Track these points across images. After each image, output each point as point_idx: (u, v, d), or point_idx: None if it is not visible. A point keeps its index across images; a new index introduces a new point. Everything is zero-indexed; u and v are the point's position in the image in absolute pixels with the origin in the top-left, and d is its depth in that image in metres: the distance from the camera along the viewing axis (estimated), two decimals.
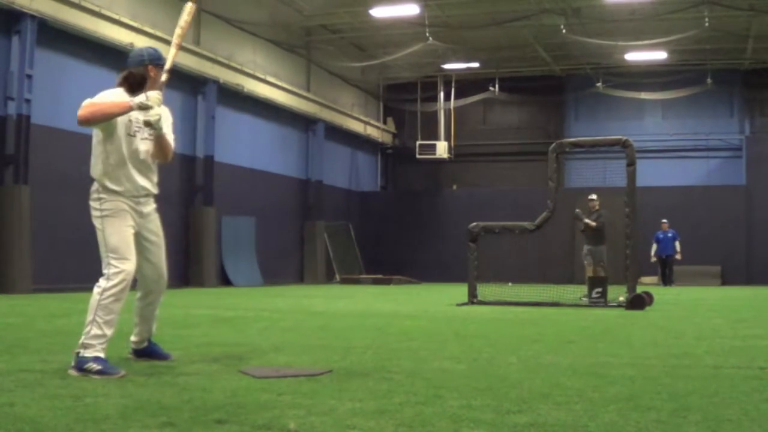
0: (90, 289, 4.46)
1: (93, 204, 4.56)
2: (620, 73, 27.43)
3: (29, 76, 14.46)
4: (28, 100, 14.48)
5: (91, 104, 4.42)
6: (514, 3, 21.57)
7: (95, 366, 4.18)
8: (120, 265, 4.42)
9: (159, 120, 4.44)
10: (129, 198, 4.56)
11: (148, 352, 4.91)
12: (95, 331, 4.29)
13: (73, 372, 4.22)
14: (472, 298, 12.40)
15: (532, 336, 7.00)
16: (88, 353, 4.23)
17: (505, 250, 16.36)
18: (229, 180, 21.07)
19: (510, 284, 15.62)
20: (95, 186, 4.57)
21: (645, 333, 7.44)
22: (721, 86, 26.84)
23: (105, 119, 4.43)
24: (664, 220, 23.15)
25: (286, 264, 24.47)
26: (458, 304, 11.99)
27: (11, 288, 13.79)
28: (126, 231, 4.52)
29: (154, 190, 4.73)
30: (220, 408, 3.34)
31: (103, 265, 4.46)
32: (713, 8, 20.38)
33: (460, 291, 13.71)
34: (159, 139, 4.62)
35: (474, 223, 12.92)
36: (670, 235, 23.09)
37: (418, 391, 3.83)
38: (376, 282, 24.28)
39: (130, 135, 4.56)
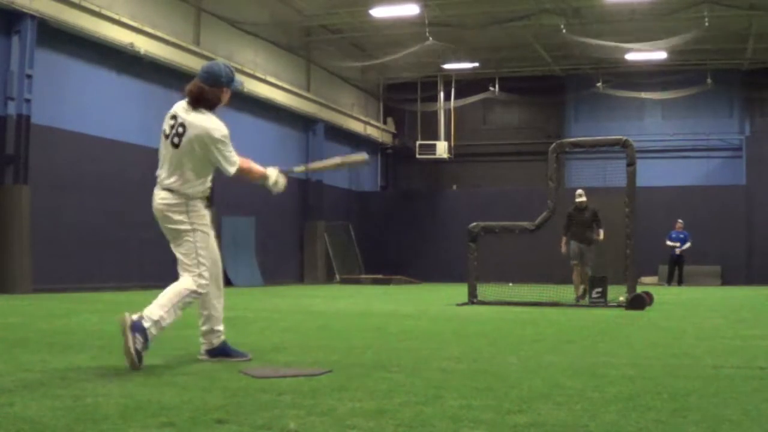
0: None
1: (182, 218, 4.73)
2: (620, 73, 27.43)
3: (29, 76, 14.46)
4: (28, 100, 14.47)
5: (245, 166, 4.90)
6: (514, 3, 21.57)
7: (141, 339, 4.32)
8: (208, 279, 4.71)
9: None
10: (207, 209, 4.95)
11: (224, 351, 4.98)
12: (167, 316, 4.47)
13: (128, 320, 4.29)
14: (472, 298, 12.41)
15: (532, 336, 7.00)
16: (152, 330, 4.39)
17: (505, 250, 16.36)
18: (228, 180, 21.00)
19: (510, 284, 15.62)
20: (183, 200, 4.74)
21: (645, 333, 7.44)
22: (721, 86, 26.83)
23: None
24: (680, 220, 23.17)
25: (286, 264, 24.46)
26: (458, 304, 11.99)
27: (11, 288, 13.78)
28: (214, 246, 4.86)
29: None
30: (220, 408, 3.34)
31: (191, 270, 4.68)
32: (713, 8, 20.38)
33: (460, 291, 13.71)
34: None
35: (474, 223, 12.92)
36: (682, 236, 23.12)
37: (418, 391, 3.83)
38: (376, 282, 24.28)
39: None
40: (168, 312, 4.49)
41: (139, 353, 4.29)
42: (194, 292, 4.63)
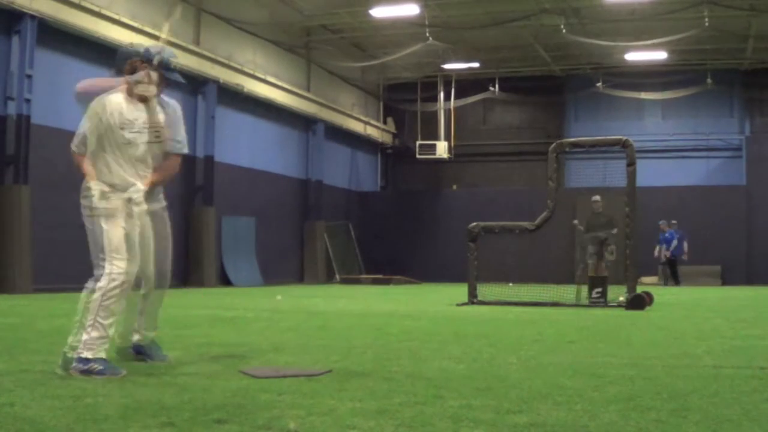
0: None
1: (84, 202, 4.48)
2: (620, 73, 27.44)
3: (29, 76, 14.47)
4: (28, 100, 14.49)
5: (81, 133, 4.47)
6: (514, 3, 21.57)
7: (98, 366, 4.19)
8: (123, 265, 4.35)
9: (141, 195, 4.47)
10: (121, 194, 4.49)
11: (147, 350, 4.89)
12: (95, 333, 4.26)
13: (75, 372, 4.20)
14: (472, 298, 12.40)
15: (532, 336, 7.00)
16: (90, 354, 4.22)
17: (505, 250, 16.35)
18: (229, 180, 21.07)
19: (510, 284, 15.61)
20: (86, 182, 4.53)
21: (645, 333, 7.44)
22: (721, 86, 26.85)
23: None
24: (661, 221, 23.19)
25: (286, 264, 24.47)
26: (458, 304, 11.98)
27: (11, 288, 13.79)
28: (120, 230, 4.44)
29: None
30: (220, 408, 3.34)
31: (102, 265, 4.38)
32: (713, 8, 20.39)
33: (460, 291, 13.71)
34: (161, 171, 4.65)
35: (474, 223, 12.91)
36: (667, 235, 23.17)
37: (418, 391, 3.82)
38: (376, 282, 24.28)
39: (121, 131, 4.48)
40: (90, 330, 4.25)
41: (103, 372, 4.16)
42: (106, 291, 4.27)
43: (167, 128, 4.65)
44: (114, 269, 4.34)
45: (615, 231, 14.15)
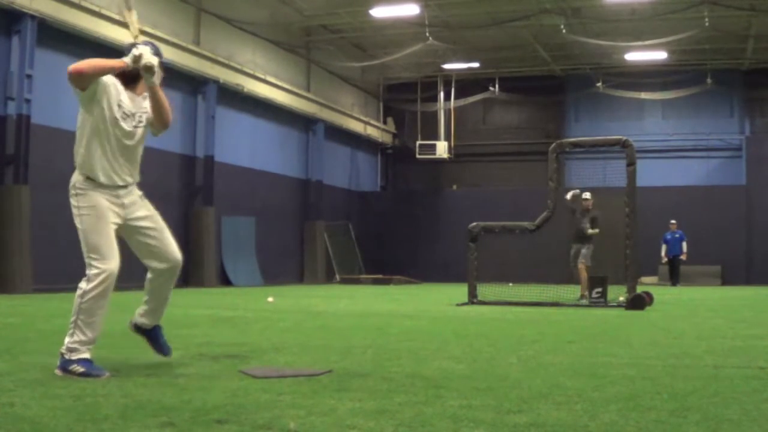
0: None
1: (72, 201, 4.41)
2: (620, 73, 27.45)
3: (29, 76, 14.47)
4: (28, 100, 14.49)
5: (85, 60, 4.32)
6: (514, 3, 21.58)
7: (79, 368, 4.15)
8: (101, 266, 4.27)
9: (153, 67, 4.38)
10: (107, 190, 4.40)
11: (152, 335, 4.81)
12: (78, 335, 4.23)
13: (58, 372, 4.20)
14: (472, 298, 12.40)
15: (532, 336, 7.00)
16: (73, 356, 4.21)
17: (505, 250, 16.36)
18: (229, 180, 21.07)
19: (510, 284, 15.61)
20: (74, 178, 4.44)
21: (645, 333, 7.44)
22: (721, 86, 26.86)
23: (100, 74, 4.32)
24: (673, 221, 23.18)
25: (286, 264, 24.46)
26: (458, 304, 11.99)
27: (11, 288, 13.79)
28: (106, 229, 4.35)
29: (134, 180, 4.57)
30: (220, 408, 3.34)
31: (89, 264, 4.33)
32: (713, 8, 20.39)
33: (460, 291, 13.72)
34: (154, 96, 4.49)
35: (474, 223, 12.92)
36: (677, 236, 23.12)
37: (418, 391, 3.83)
38: (376, 282, 24.28)
39: (117, 119, 4.43)
40: (72, 332, 4.23)
41: (87, 374, 4.13)
42: (84, 293, 4.22)
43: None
44: (92, 270, 4.28)
45: (589, 246, 14.13)
